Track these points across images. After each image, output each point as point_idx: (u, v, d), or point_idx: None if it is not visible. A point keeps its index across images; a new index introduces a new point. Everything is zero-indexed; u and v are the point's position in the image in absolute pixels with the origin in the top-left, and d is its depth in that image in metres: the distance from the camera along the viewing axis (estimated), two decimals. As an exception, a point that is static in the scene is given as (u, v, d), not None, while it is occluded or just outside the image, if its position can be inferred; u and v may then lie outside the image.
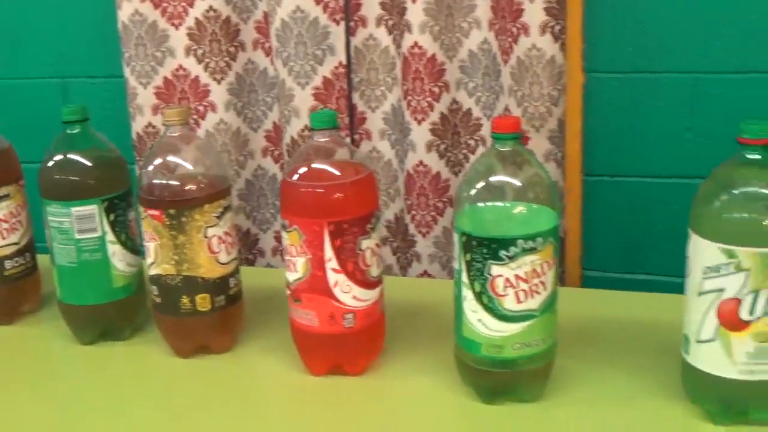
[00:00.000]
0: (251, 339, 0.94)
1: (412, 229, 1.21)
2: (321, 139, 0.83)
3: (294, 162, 0.85)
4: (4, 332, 1.01)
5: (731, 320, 0.72)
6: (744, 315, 0.71)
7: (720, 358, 0.73)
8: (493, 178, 0.77)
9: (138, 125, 1.27)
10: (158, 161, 0.88)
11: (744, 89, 1.06)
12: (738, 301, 0.71)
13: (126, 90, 1.27)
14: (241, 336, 0.94)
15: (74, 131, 0.92)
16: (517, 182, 0.77)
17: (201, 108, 1.24)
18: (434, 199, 1.19)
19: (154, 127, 1.27)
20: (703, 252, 0.73)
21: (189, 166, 0.88)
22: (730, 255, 0.71)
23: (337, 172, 0.82)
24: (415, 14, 1.12)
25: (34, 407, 0.85)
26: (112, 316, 0.94)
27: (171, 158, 0.88)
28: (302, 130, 1.21)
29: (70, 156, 0.91)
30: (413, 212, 1.20)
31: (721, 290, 0.72)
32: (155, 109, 1.26)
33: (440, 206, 1.19)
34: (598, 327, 0.94)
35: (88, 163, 0.91)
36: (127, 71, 1.25)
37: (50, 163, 0.91)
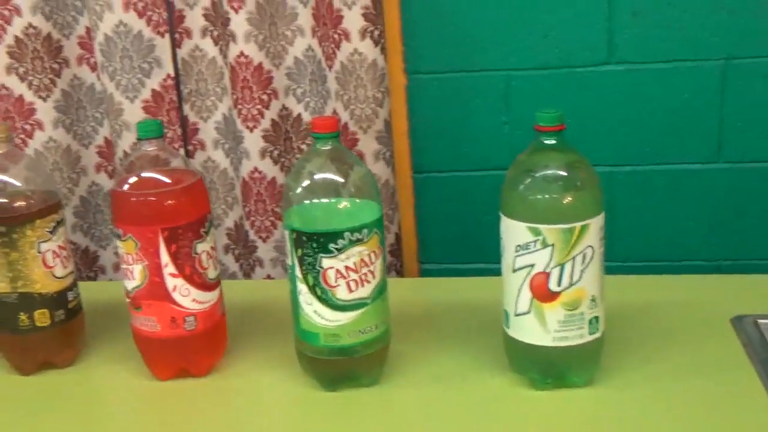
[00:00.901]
0: (95, 351, 0.95)
1: (252, 235, 1.24)
2: (148, 148, 0.85)
3: (123, 172, 0.86)
4: None
5: (542, 292, 0.79)
6: (553, 286, 0.79)
7: (536, 328, 0.80)
8: (317, 176, 0.82)
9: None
10: (-18, 180, 0.87)
11: (550, 83, 1.15)
12: (547, 275, 0.78)
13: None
14: (85, 349, 0.95)
15: None
16: (339, 178, 0.82)
17: (28, 127, 1.22)
18: (272, 204, 1.22)
19: (-21, 148, 1.23)
20: (513, 232, 0.79)
21: (16, 183, 0.87)
22: (536, 233, 0.78)
23: (167, 180, 0.84)
24: (239, 24, 1.15)
25: None
26: None
27: (-4, 176, 0.87)
28: (134, 144, 1.21)
29: None
30: (252, 218, 1.23)
31: (531, 266, 0.79)
32: (-21, 131, 1.23)
33: (278, 211, 1.23)
34: (431, 313, 1.00)
35: None
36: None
37: None
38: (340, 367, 0.83)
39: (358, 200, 0.81)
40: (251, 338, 0.95)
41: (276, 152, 1.20)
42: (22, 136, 1.22)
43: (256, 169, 1.20)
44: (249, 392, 0.86)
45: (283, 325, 0.93)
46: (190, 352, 0.86)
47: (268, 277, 1.25)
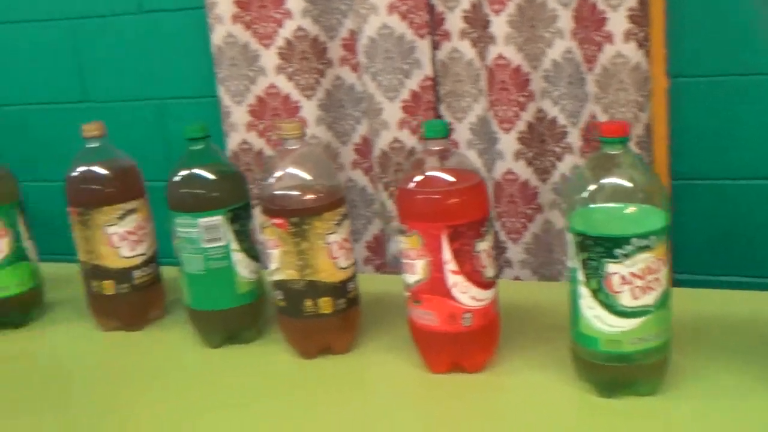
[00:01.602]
0: (369, 340, 0.99)
1: (502, 236, 1.25)
2: (434, 147, 0.88)
3: (409, 170, 0.89)
4: (136, 338, 1.07)
5: None
6: None
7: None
8: (605, 180, 0.81)
9: (233, 142, 1.32)
10: (280, 173, 0.93)
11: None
12: None
13: (220, 109, 1.32)
14: (360, 337, 0.99)
15: (197, 147, 0.97)
16: (627, 183, 0.81)
17: (293, 124, 1.29)
18: (523, 206, 1.22)
19: (248, 143, 1.32)
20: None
21: (308, 177, 0.93)
22: None
23: (452, 179, 0.86)
24: (499, 27, 1.16)
25: (169, 405, 0.90)
26: (238, 320, 0.99)
27: (291, 170, 0.93)
28: (392, 142, 1.25)
29: (196, 170, 0.97)
30: (503, 219, 1.24)
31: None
32: (249, 127, 1.31)
33: (530, 213, 1.23)
34: (701, 324, 0.97)
35: (213, 177, 0.96)
36: (221, 91, 1.31)
37: (177, 178, 0.97)
38: (618, 373, 0.82)
39: (645, 206, 0.80)
40: (517, 337, 0.96)
41: (530, 154, 1.21)
42: (288, 132, 1.29)
43: (509, 170, 1.21)
44: (521, 391, 0.87)
45: (547, 327, 0.94)
46: (465, 348, 0.88)
47: (516, 278, 1.25)
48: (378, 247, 1.35)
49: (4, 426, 0.89)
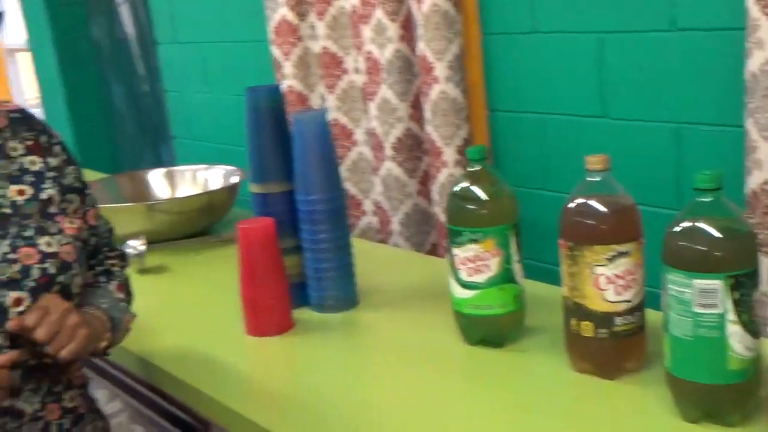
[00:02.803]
0: None
1: None
2: None
3: None
4: (606, 387, 1.01)
5: None
6: None
7: None
8: None
9: (754, 181, 1.18)
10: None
11: None
12: None
13: (744, 142, 1.19)
14: None
15: (706, 199, 0.87)
16: None
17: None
18: None
19: (771, 184, 1.17)
20: None
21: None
22: None
23: None
24: None
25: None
26: (722, 399, 0.89)
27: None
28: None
29: (699, 225, 0.87)
30: None
31: None
32: (775, 166, 1.16)
33: None
34: None
35: (718, 235, 0.86)
36: (749, 123, 1.17)
37: (678, 228, 0.88)
38: None
39: None
40: None
41: None
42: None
43: None
44: None
45: None
46: None
47: None
48: None
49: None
